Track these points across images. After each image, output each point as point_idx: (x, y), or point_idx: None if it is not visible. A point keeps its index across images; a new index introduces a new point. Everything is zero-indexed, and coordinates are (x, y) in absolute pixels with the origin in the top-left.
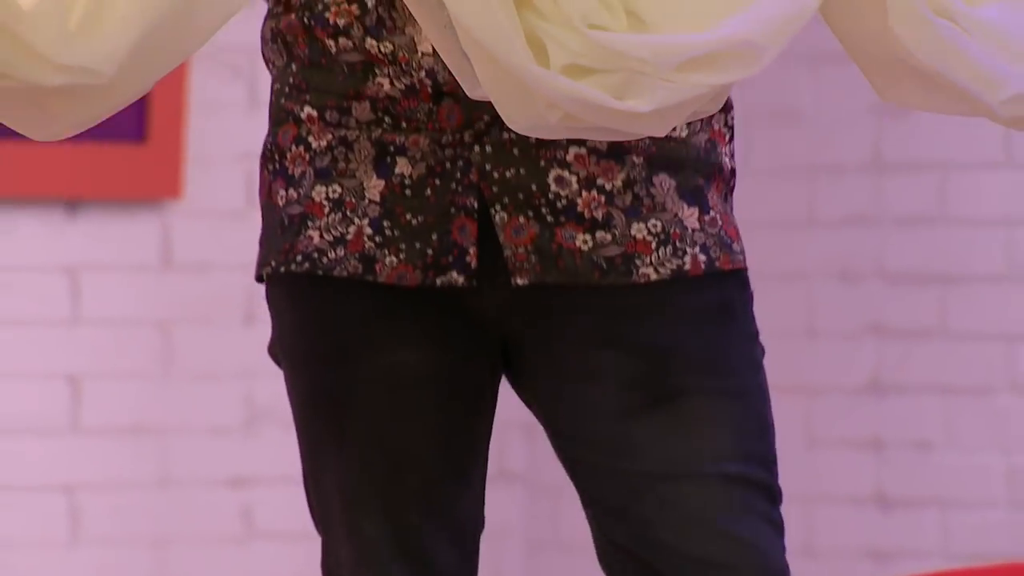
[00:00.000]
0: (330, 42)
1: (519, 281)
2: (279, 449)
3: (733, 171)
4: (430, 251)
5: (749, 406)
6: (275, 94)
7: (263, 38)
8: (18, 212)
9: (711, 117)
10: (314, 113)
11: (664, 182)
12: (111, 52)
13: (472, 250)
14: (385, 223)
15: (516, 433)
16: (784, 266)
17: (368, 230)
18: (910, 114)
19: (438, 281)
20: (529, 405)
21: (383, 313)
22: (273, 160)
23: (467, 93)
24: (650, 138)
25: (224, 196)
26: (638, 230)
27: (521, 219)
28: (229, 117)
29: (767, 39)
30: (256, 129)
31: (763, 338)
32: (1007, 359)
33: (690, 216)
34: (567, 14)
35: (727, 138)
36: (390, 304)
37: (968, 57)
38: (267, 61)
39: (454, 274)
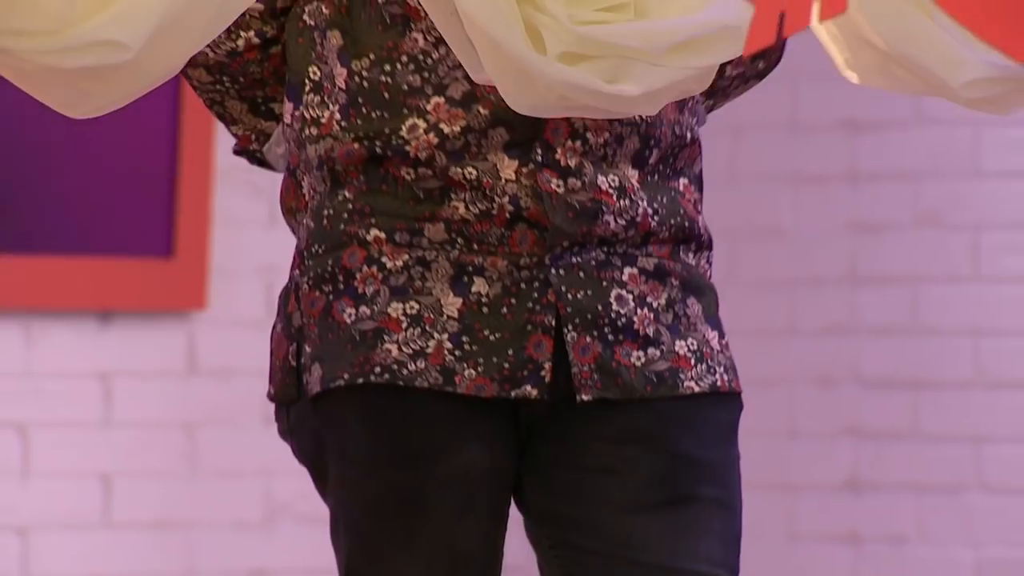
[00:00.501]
0: (406, 171)
1: (584, 397)
2: (296, 542)
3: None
4: (507, 365)
5: (735, 518)
6: (325, 219)
7: (305, 163)
8: (55, 322)
9: (707, 248)
10: (382, 235)
11: (694, 304)
12: (136, 26)
13: (547, 365)
14: (464, 338)
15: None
16: (767, 371)
17: (448, 344)
18: (883, 231)
19: (513, 394)
20: (527, 493)
21: (456, 418)
22: (335, 281)
23: (471, 77)
24: (682, 264)
25: (246, 307)
26: (680, 347)
27: (587, 338)
28: (250, 233)
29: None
30: (276, 244)
31: (746, 439)
32: (975, 459)
33: (713, 339)
34: (556, 14)
35: (710, 275)
36: (460, 409)
37: (931, 40)
38: (297, 185)
39: (528, 387)
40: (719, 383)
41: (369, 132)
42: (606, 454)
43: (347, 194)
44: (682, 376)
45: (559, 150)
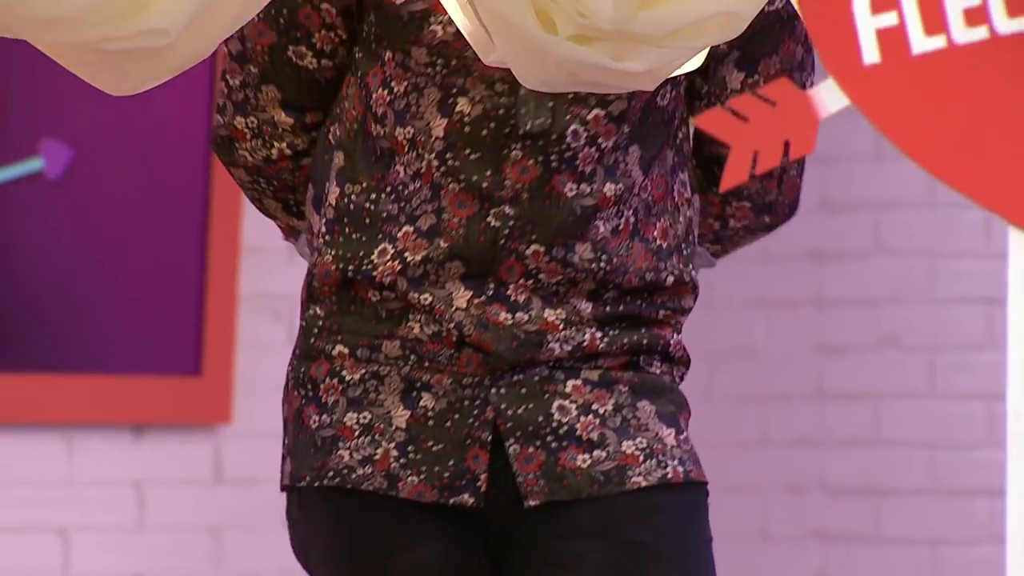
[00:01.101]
0: (373, 294)
1: (531, 503)
2: None
3: (690, 413)
4: (447, 475)
5: None
6: (303, 333)
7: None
8: (93, 435)
9: (678, 365)
10: (345, 351)
11: (645, 407)
12: (176, 13)
13: (483, 477)
14: (409, 448)
15: None
16: (741, 479)
17: (394, 452)
18: (848, 351)
19: (451, 501)
20: None
21: (407, 519)
22: (306, 388)
23: (481, 59)
24: (634, 371)
25: (266, 421)
26: (627, 446)
27: (530, 449)
28: (271, 354)
29: (743, 8)
30: None
31: (722, 541)
32: (932, 561)
33: (668, 435)
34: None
35: (678, 384)
36: (412, 512)
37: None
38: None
39: (465, 496)
40: (671, 475)
41: (346, 254)
42: (560, 551)
43: (319, 311)
44: (630, 473)
45: (511, 286)
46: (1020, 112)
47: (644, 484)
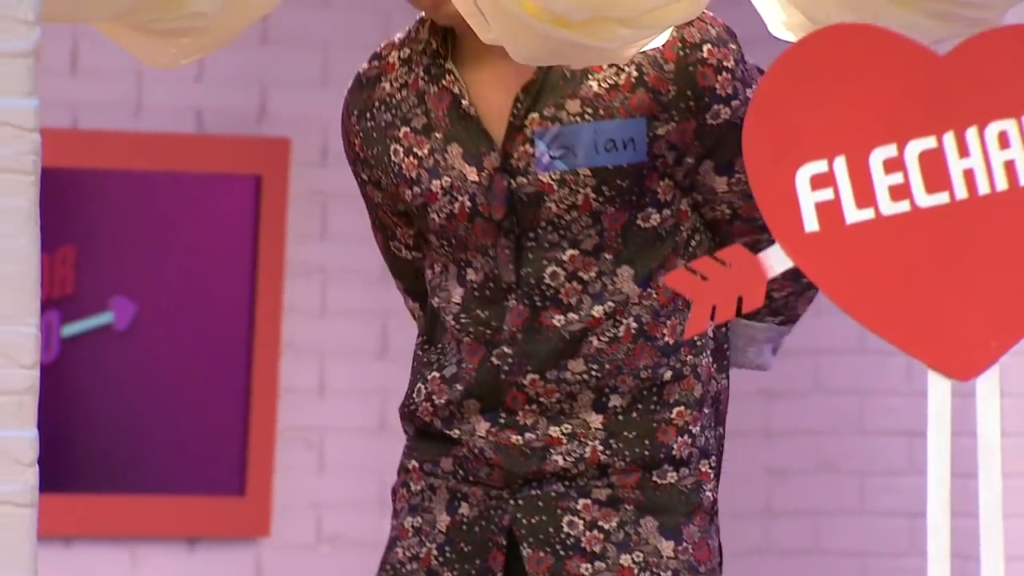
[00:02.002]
0: (435, 422)
1: None
2: None
3: (715, 501)
4: (473, 572)
5: None
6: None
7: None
8: (151, 547)
9: (699, 460)
10: (416, 465)
11: (649, 522)
12: (213, 2)
13: (500, 574)
14: (447, 548)
15: None
16: None
17: (435, 552)
18: (791, 474)
19: None
20: None
21: None
22: (394, 496)
23: (479, 36)
24: (639, 487)
25: (300, 535)
26: (625, 559)
27: (541, 553)
28: (304, 477)
29: None
30: (323, 486)
31: None
32: None
33: (667, 548)
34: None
35: (712, 476)
36: None
37: None
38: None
39: None
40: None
41: (407, 395)
42: None
43: (410, 432)
44: None
45: (519, 413)
46: (935, 273)
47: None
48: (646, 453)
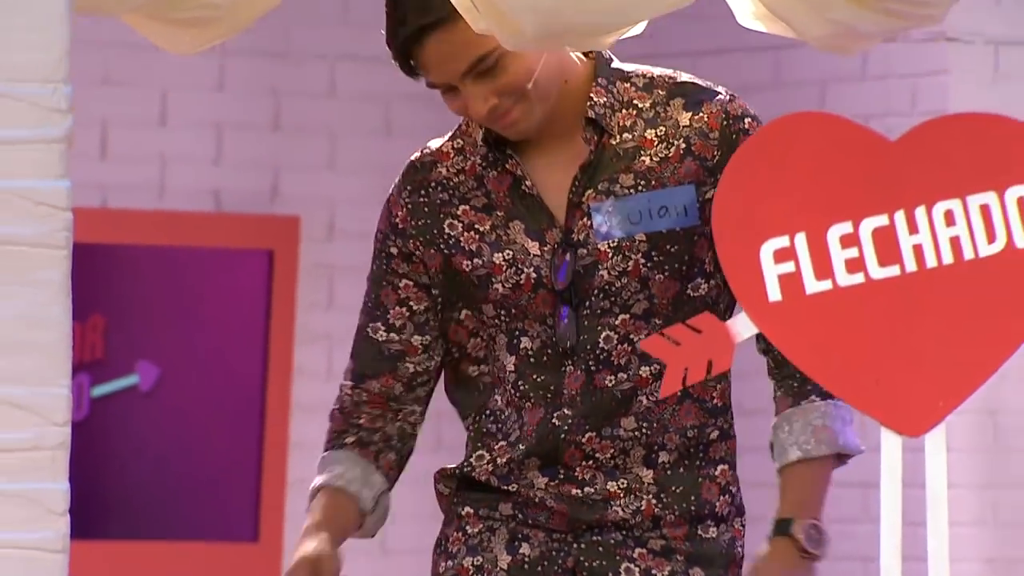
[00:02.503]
0: (491, 480)
1: None
2: None
3: (743, 555)
4: None
5: None
6: (445, 498)
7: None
8: None
9: (735, 517)
10: (471, 511)
11: (697, 573)
12: None
13: None
14: None
15: None
16: None
17: None
18: (759, 521)
19: None
20: None
21: None
22: (441, 546)
23: (472, 27)
24: (688, 540)
25: None
26: None
27: None
28: None
29: None
30: None
31: None
32: None
33: None
34: None
35: (742, 533)
36: None
37: None
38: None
39: None
40: None
41: (466, 461)
42: None
43: (454, 486)
44: None
45: (577, 469)
46: (888, 340)
47: None
48: (692, 508)
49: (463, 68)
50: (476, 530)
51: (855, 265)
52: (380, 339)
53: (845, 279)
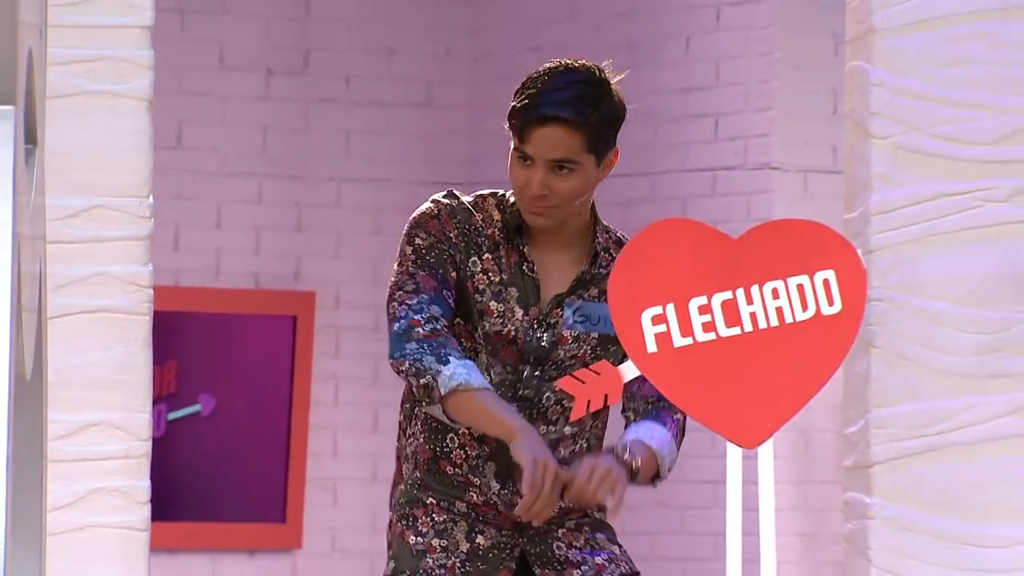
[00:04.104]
0: (449, 469)
1: None
2: None
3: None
4: None
5: None
6: (405, 484)
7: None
8: (225, 556)
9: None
10: (434, 502)
11: (601, 536)
12: None
13: None
14: (467, 564)
15: None
16: None
17: (459, 565)
18: (636, 509)
19: None
20: None
21: None
22: (407, 520)
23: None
24: (589, 517)
25: (321, 547)
26: (599, 559)
27: (547, 570)
28: (323, 511)
29: None
30: (335, 516)
31: None
32: None
33: (616, 550)
34: None
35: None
36: None
37: None
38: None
39: None
40: (625, 571)
41: (432, 437)
42: None
43: (417, 475)
44: (604, 574)
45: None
46: (732, 379)
47: None
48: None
49: (554, 157)
50: (441, 519)
51: (709, 327)
52: (449, 299)
53: (702, 336)
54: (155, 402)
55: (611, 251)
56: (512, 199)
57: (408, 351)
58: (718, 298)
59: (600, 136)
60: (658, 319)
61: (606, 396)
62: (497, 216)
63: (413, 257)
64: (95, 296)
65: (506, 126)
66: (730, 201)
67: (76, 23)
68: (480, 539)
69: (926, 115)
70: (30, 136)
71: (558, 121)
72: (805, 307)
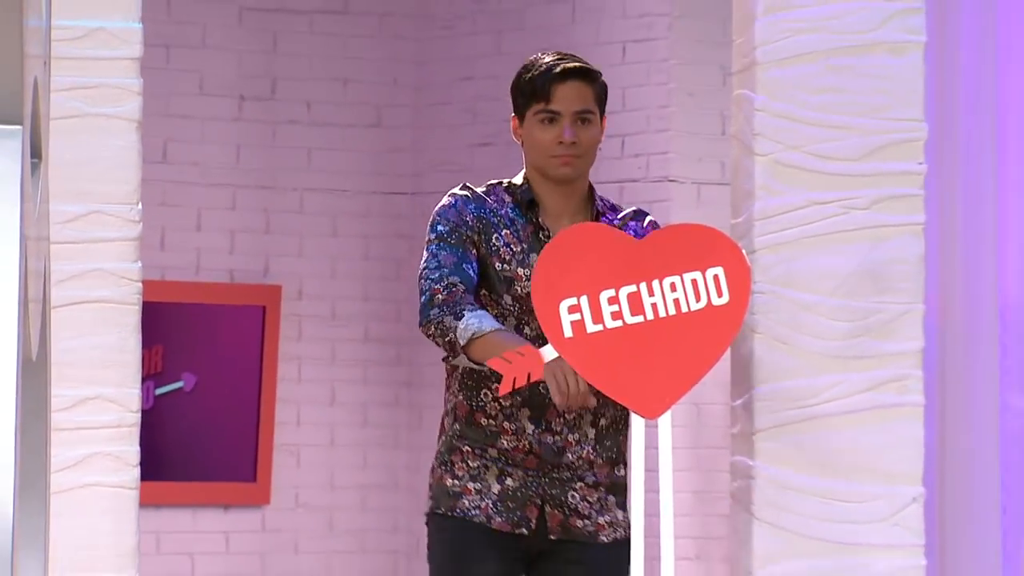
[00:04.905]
0: (483, 420)
1: (552, 537)
2: None
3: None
4: (515, 519)
5: None
6: (447, 435)
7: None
8: (204, 510)
9: (626, 463)
10: (469, 449)
11: (611, 499)
12: None
13: (533, 521)
14: (498, 503)
15: None
16: None
17: (491, 505)
18: None
19: (516, 531)
20: None
21: (491, 540)
22: (445, 465)
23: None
24: (608, 477)
25: (286, 503)
26: (600, 520)
27: (556, 512)
28: (288, 472)
29: None
30: (298, 476)
31: None
32: None
33: (621, 515)
34: None
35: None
36: (495, 536)
37: None
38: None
39: (523, 529)
40: (619, 537)
41: (468, 394)
42: (565, 562)
43: (457, 427)
44: (601, 535)
45: (553, 423)
46: (636, 359)
47: (606, 541)
48: (614, 456)
49: (578, 108)
50: (475, 464)
51: (617, 315)
52: (469, 271)
53: (611, 323)
54: (143, 379)
55: (608, 214)
56: (520, 181)
57: (432, 316)
58: (624, 291)
59: (604, 94)
60: (573, 308)
61: (529, 374)
62: (508, 198)
63: (437, 242)
64: (92, 289)
65: (513, 109)
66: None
67: (75, 55)
68: (509, 481)
69: (800, 135)
70: (36, 151)
71: (577, 75)
72: (698, 298)
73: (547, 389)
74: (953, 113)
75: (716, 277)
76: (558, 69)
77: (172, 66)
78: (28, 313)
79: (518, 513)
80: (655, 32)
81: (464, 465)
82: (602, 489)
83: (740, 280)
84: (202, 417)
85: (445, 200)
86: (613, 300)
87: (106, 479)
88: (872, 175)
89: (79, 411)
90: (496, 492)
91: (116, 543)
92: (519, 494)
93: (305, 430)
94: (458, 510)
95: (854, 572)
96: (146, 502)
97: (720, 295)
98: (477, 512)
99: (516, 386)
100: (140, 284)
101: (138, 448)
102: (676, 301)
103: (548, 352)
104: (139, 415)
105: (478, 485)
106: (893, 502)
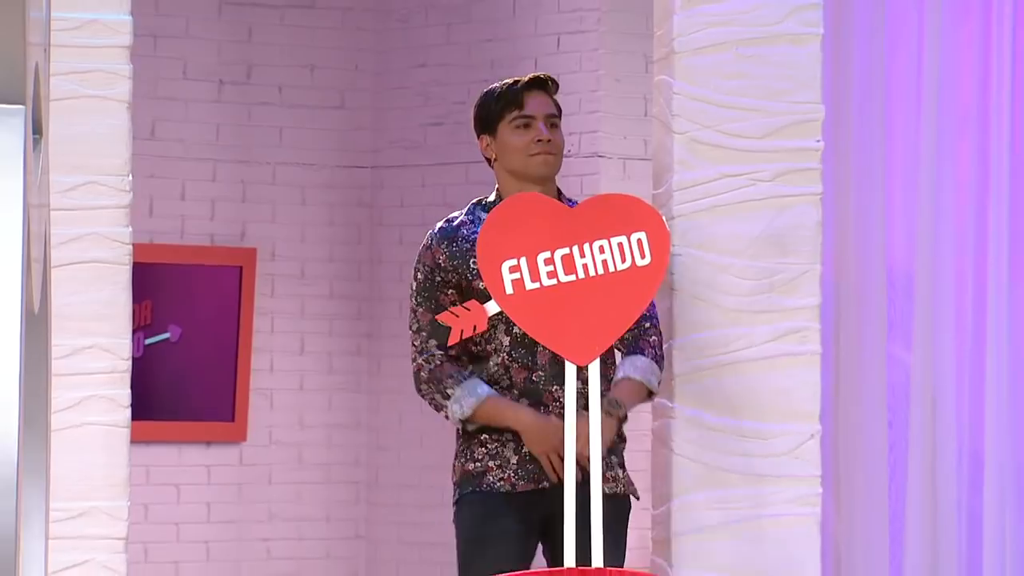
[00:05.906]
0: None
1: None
2: None
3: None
4: (538, 473)
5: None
6: (464, 431)
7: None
8: (188, 447)
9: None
10: (487, 436)
11: (613, 459)
12: None
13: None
14: (519, 470)
15: None
16: None
17: (512, 473)
18: None
19: (540, 485)
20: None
21: (515, 506)
22: (466, 454)
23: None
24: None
25: (261, 440)
26: (607, 477)
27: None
28: (262, 413)
29: None
30: (272, 417)
31: None
32: None
33: (624, 474)
34: None
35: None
36: (518, 502)
37: None
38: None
39: (546, 483)
40: (619, 491)
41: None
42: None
43: (470, 426)
44: (605, 487)
45: (550, 406)
46: (569, 311)
47: (607, 492)
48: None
49: (547, 112)
50: (493, 445)
51: (552, 274)
52: (441, 327)
53: (547, 281)
54: (134, 331)
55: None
56: (493, 197)
57: (423, 391)
58: (559, 253)
59: (559, 106)
60: (514, 268)
61: (475, 327)
62: (483, 215)
63: (416, 294)
64: (88, 250)
65: (479, 131)
66: (568, 181)
67: (72, 43)
68: (525, 448)
69: (713, 116)
70: (37, 128)
71: (543, 86)
72: (624, 260)
73: (540, 380)
74: (847, 97)
75: (639, 241)
76: (526, 79)
77: (159, 53)
78: (31, 271)
79: (540, 470)
80: (586, 25)
81: (483, 449)
82: (605, 449)
83: (660, 243)
84: (186, 364)
85: (424, 239)
86: (549, 261)
87: (101, 419)
88: (776, 151)
89: (77, 359)
90: (515, 461)
91: (110, 475)
92: (532, 465)
93: (277, 376)
94: (484, 485)
95: (761, 499)
96: (136, 439)
97: (643, 257)
98: (502, 483)
99: (463, 337)
100: (131, 246)
101: (129, 391)
102: (604, 262)
103: (492, 307)
104: (130, 362)
105: (498, 461)
106: (794, 438)
